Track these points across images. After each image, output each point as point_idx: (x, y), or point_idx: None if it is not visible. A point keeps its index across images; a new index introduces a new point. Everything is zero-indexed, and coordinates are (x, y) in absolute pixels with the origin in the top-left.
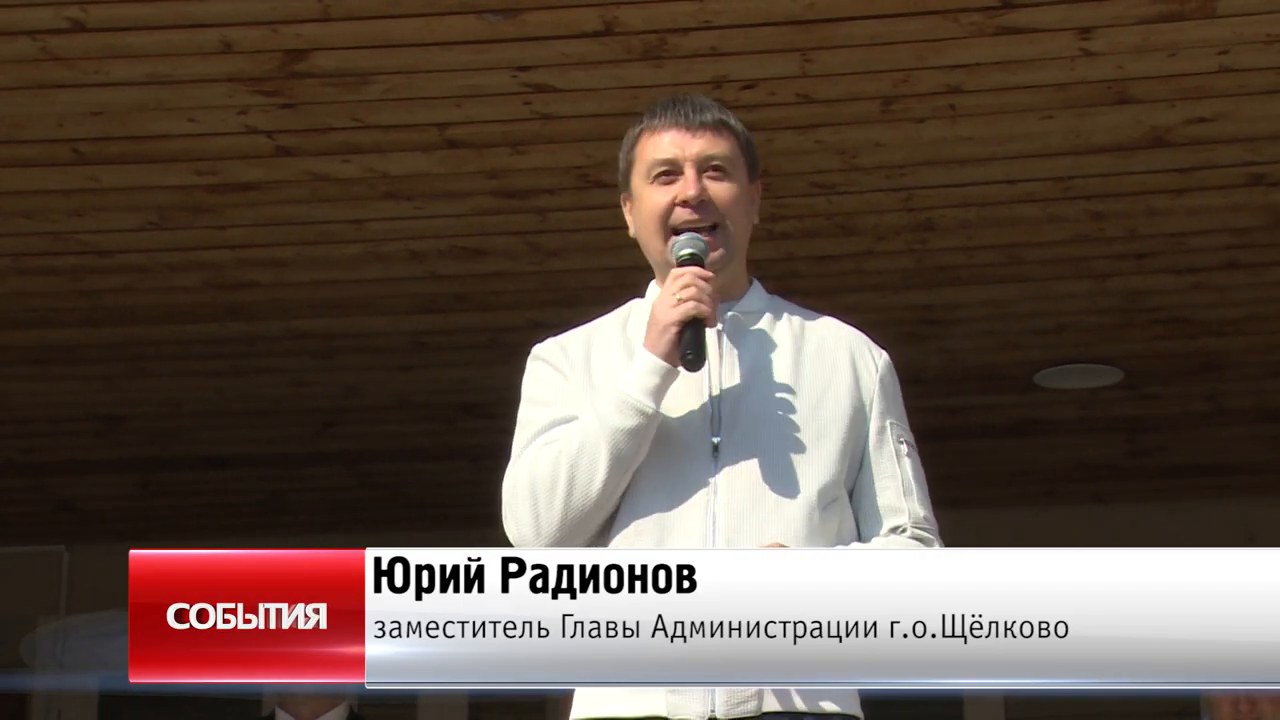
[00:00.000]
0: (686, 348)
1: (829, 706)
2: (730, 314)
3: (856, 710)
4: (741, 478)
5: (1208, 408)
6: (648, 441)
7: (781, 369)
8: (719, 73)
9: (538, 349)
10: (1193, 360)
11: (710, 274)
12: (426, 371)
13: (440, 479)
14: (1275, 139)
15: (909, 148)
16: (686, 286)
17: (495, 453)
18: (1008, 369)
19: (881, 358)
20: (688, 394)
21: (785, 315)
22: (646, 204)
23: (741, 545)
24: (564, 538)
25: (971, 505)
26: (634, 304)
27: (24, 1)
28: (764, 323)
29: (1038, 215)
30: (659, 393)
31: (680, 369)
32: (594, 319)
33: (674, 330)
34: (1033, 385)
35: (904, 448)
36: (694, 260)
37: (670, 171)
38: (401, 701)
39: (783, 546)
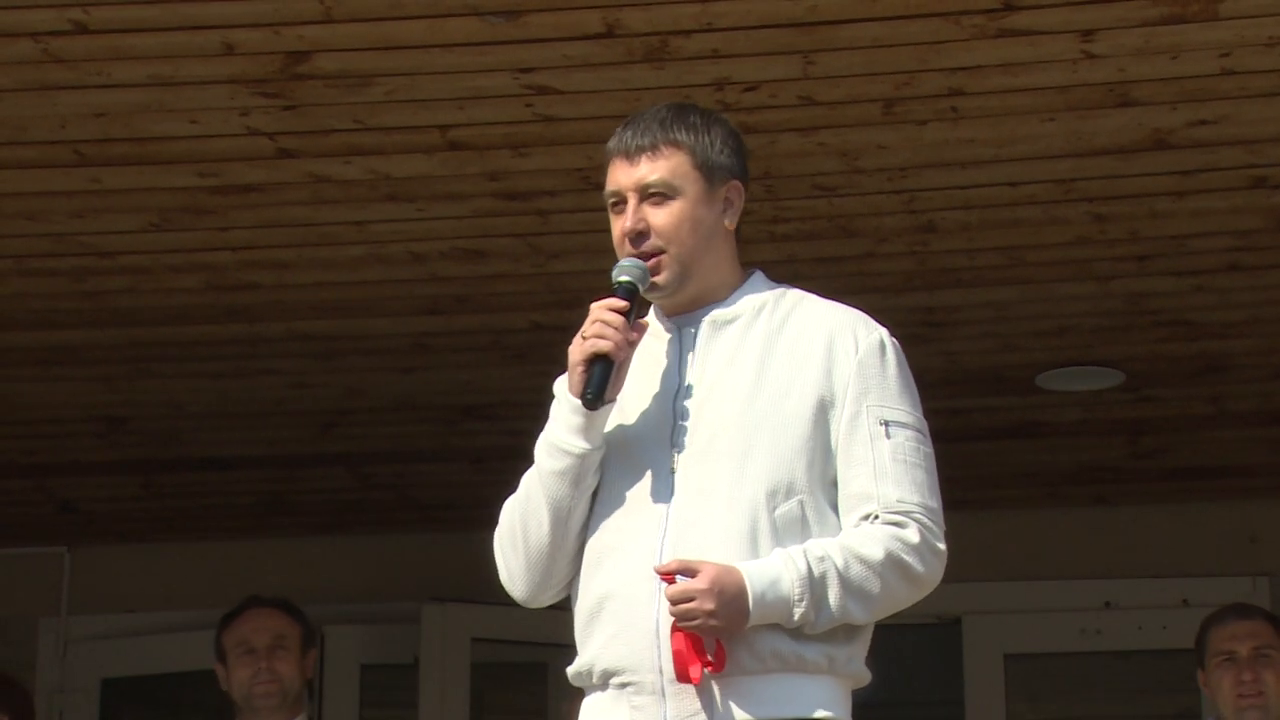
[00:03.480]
0: (586, 387)
1: (781, 711)
2: (702, 322)
3: (827, 711)
4: (693, 486)
5: (1210, 410)
6: (585, 479)
7: (746, 371)
8: (721, 75)
9: (555, 384)
10: (1195, 363)
11: (623, 304)
12: (428, 373)
13: (442, 480)
14: (1277, 142)
15: (911, 150)
16: (592, 323)
17: (497, 454)
18: (1009, 371)
19: (868, 338)
20: (651, 406)
21: (769, 310)
22: (612, 233)
23: (687, 553)
24: (536, 580)
25: (974, 507)
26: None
27: (26, 3)
28: (740, 323)
29: (1039, 217)
30: (587, 430)
31: (613, 402)
32: None
33: (580, 369)
34: (1034, 387)
35: (883, 429)
36: (625, 287)
37: (618, 202)
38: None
39: (686, 565)
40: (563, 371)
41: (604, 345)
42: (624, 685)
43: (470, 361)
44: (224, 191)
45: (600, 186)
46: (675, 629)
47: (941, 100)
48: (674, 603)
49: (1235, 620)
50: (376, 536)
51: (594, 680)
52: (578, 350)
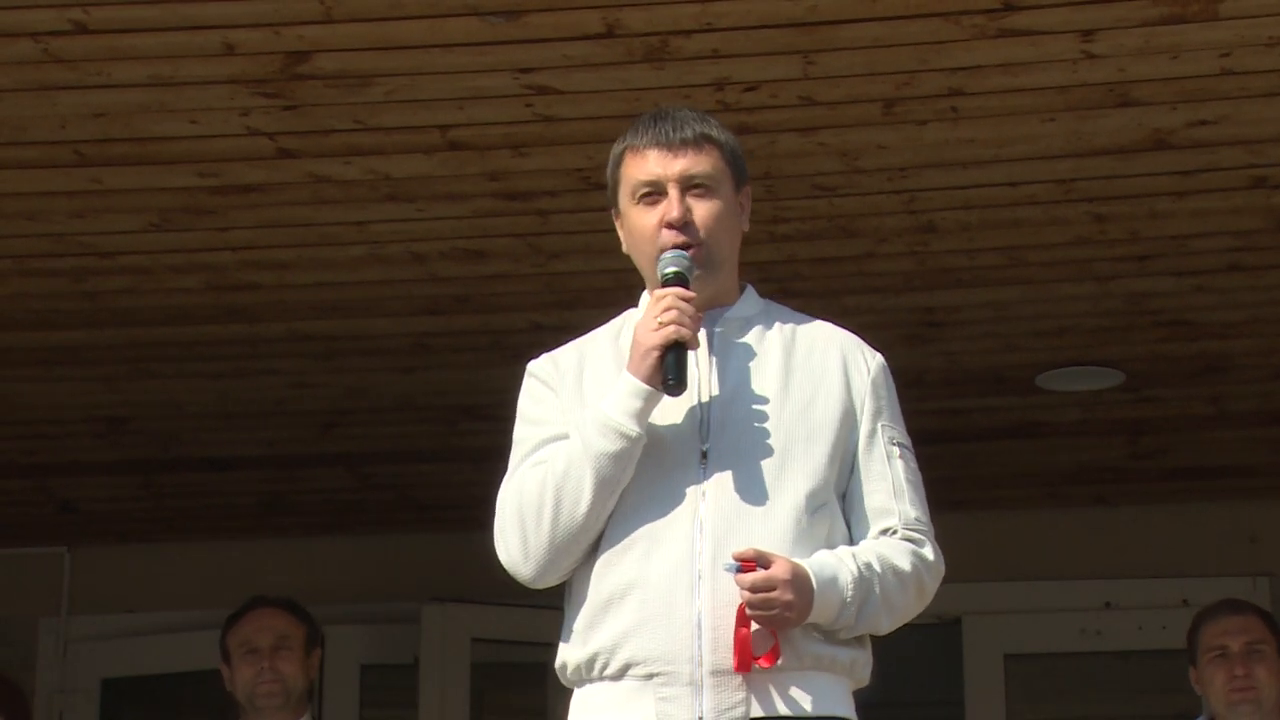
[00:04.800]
0: (668, 373)
1: (817, 709)
2: (720, 323)
3: (846, 713)
4: (729, 484)
5: (1210, 410)
6: (633, 463)
7: (771, 375)
8: (721, 75)
9: (531, 365)
10: (1195, 363)
11: (692, 294)
12: (428, 373)
13: (442, 480)
14: (1277, 142)
15: (911, 150)
16: (668, 310)
17: (497, 454)
18: (1009, 371)
19: (875, 360)
20: (677, 403)
21: (777, 320)
22: (635, 224)
23: (728, 552)
24: (552, 560)
25: (973, 507)
26: (628, 315)
27: (26, 3)
28: (754, 330)
29: (1039, 217)
30: (642, 415)
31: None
32: (593, 323)
33: (655, 354)
34: (1034, 388)
35: (896, 449)
36: (679, 278)
37: (654, 192)
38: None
39: (762, 554)
40: (537, 357)
41: (685, 333)
42: (650, 676)
43: (470, 361)
44: (224, 191)
45: (601, 186)
46: (742, 618)
47: (941, 100)
48: (753, 591)
49: (1227, 616)
50: (376, 536)
51: (606, 671)
52: (656, 336)
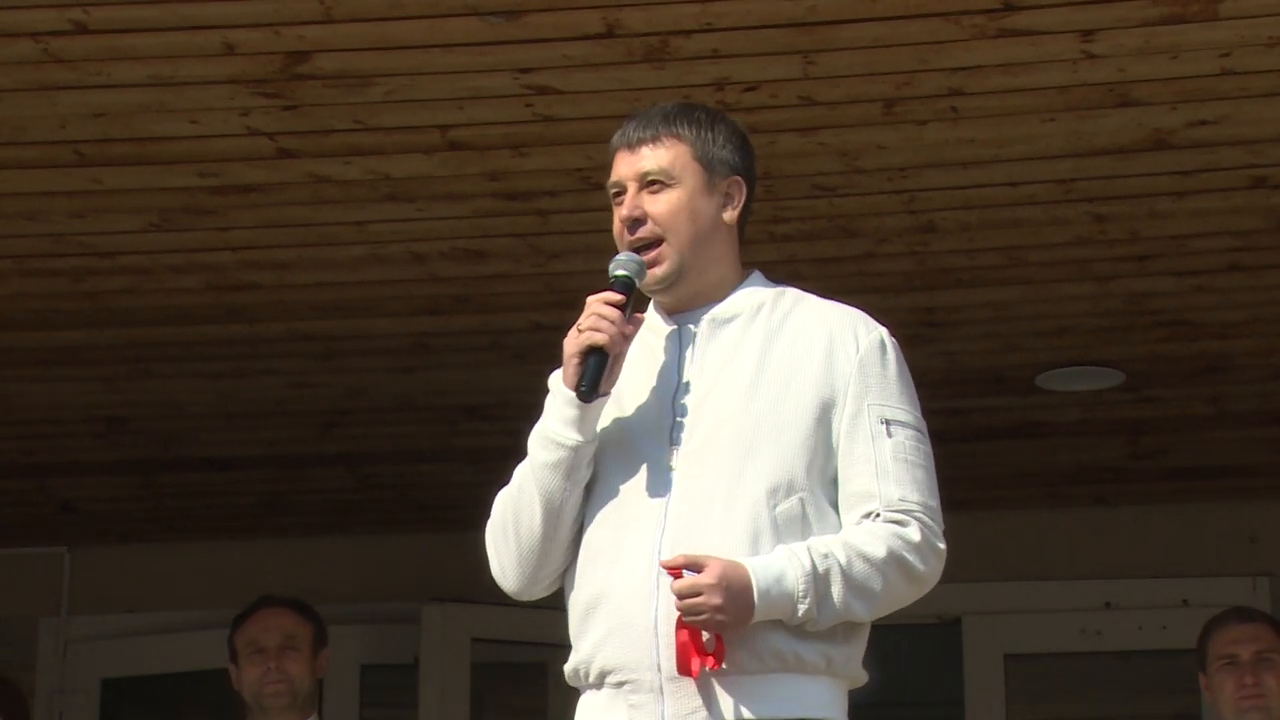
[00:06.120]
0: (580, 380)
1: (781, 712)
2: (701, 320)
3: (821, 713)
4: (693, 484)
5: (1210, 410)
6: (578, 471)
7: (745, 369)
8: (721, 75)
9: (550, 378)
10: (1195, 363)
11: (619, 298)
12: (428, 373)
13: (442, 480)
14: (1277, 142)
15: (911, 150)
16: (588, 316)
17: (497, 455)
18: (1009, 371)
19: (868, 337)
20: (650, 402)
21: (769, 308)
22: (613, 225)
23: (689, 549)
24: (527, 574)
25: (974, 507)
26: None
27: (26, 3)
28: (740, 322)
29: (1039, 217)
30: (581, 423)
31: (607, 395)
32: None
33: (574, 361)
34: (1034, 388)
35: (884, 427)
36: (619, 281)
37: (620, 193)
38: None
39: (693, 560)
40: (559, 367)
41: (599, 338)
42: (620, 684)
43: (470, 361)
44: (224, 191)
45: (601, 186)
46: (680, 623)
47: (941, 100)
48: (681, 597)
49: (1237, 624)
50: (376, 536)
51: (589, 679)
52: (572, 342)
